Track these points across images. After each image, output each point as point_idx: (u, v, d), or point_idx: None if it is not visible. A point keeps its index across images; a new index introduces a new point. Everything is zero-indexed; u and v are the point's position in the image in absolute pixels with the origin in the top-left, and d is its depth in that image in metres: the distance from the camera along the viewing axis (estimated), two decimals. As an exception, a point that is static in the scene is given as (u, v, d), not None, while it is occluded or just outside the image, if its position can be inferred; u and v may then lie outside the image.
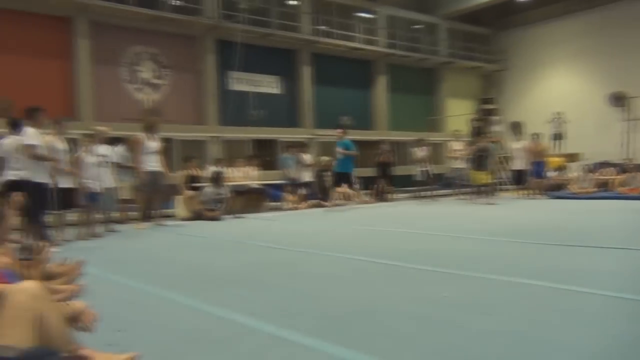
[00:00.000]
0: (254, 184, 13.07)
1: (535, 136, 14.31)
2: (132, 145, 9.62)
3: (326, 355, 2.77)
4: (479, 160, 12.55)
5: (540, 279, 4.32)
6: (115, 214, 9.59)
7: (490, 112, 21.77)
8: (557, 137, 20.53)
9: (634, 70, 21.42)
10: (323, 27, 20.32)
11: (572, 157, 18.49)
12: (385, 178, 15.10)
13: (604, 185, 14.18)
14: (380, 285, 4.44)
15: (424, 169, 14.52)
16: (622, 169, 15.00)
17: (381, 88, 22.44)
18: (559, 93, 23.43)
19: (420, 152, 14.59)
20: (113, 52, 15.87)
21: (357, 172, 16.67)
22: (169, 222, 10.04)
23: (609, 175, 14.66)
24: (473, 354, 2.74)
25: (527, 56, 25.03)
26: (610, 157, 17.68)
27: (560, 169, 15.90)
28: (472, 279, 4.49)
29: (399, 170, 17.03)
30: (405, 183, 17.59)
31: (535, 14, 24.50)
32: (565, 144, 20.35)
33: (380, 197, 14.92)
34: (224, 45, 17.37)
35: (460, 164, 14.53)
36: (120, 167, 9.70)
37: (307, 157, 14.23)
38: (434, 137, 21.58)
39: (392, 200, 15.13)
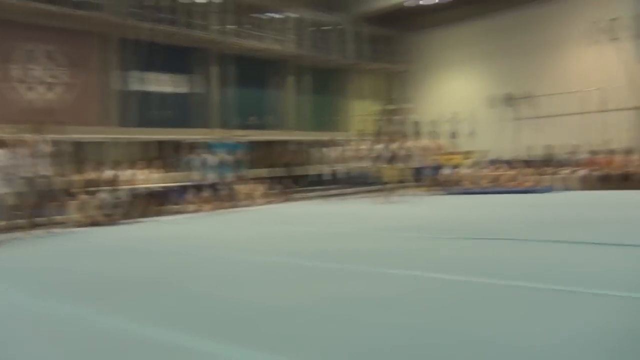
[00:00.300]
0: (156, 186, 12.71)
1: (433, 135, 15.01)
2: (19, 148, 9.03)
3: (223, 358, 2.77)
4: (390, 158, 12.98)
5: (436, 271, 4.56)
6: (0, 222, 8.96)
7: (393, 112, 22.69)
8: (454, 135, 21.64)
9: (522, 72, 22.98)
10: (232, 27, 20.09)
11: (468, 155, 19.56)
12: (291, 177, 15.22)
13: (495, 181, 15.16)
14: (284, 285, 4.47)
15: (332, 168, 14.79)
16: (511, 165, 16.12)
17: (290, 89, 22.56)
18: (460, 93, 24.60)
19: (329, 152, 14.85)
20: (1, 49, 14.79)
21: (264, 172, 16.71)
22: (62, 229, 9.56)
23: (499, 171, 15.70)
24: (370, 347, 2.82)
25: (430, 58, 26.08)
26: (502, 154, 18.89)
27: (457, 166, 16.79)
28: (375, 275, 4.63)
29: (306, 170, 17.21)
30: (312, 182, 17.82)
31: (438, 17, 25.51)
32: (463, 142, 21.46)
33: (287, 196, 15.02)
34: (127, 44, 16.70)
35: (364, 163, 14.92)
36: (6, 172, 9.09)
37: (213, 158, 14.03)
38: (340, 137, 22.00)
39: (298, 199, 15.28)
